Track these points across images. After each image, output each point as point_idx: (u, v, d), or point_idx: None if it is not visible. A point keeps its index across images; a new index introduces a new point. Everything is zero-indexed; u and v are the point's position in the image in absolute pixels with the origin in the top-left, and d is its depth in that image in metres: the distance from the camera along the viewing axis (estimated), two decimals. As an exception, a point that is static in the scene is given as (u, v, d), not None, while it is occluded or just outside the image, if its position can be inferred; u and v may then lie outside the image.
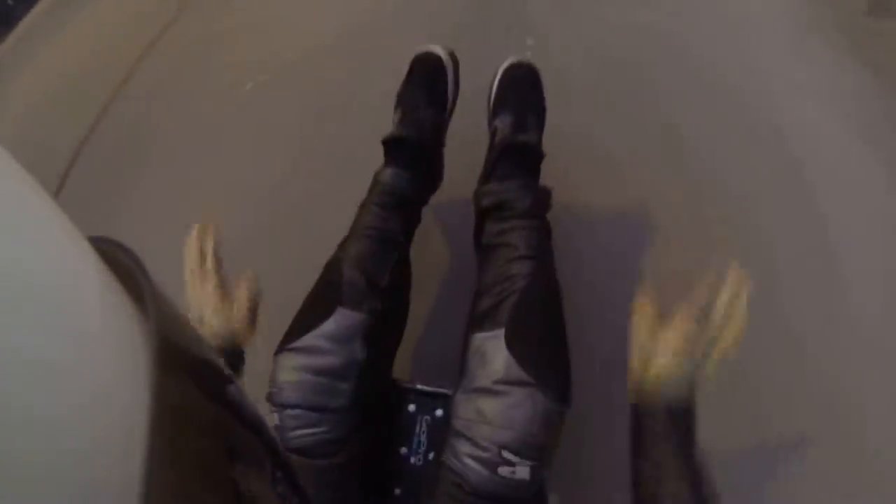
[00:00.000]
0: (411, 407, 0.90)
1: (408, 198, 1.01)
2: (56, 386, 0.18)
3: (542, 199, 0.99)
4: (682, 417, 0.61)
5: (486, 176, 1.04)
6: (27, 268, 0.19)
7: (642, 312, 0.67)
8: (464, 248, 1.11)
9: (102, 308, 0.23)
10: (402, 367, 0.94)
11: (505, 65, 1.15)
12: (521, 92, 1.12)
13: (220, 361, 0.31)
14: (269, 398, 0.79)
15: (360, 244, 0.91)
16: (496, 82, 1.14)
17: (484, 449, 0.73)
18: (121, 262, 0.26)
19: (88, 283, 0.23)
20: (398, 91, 1.14)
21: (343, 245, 0.93)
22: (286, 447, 0.77)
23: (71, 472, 0.19)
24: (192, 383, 0.26)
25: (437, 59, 1.14)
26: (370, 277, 0.87)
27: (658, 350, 0.63)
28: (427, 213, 1.07)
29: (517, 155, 1.03)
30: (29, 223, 0.21)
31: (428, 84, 1.13)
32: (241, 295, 0.79)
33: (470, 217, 1.05)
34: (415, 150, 1.05)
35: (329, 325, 0.81)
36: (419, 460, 0.87)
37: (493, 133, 1.10)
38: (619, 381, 0.80)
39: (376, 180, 1.02)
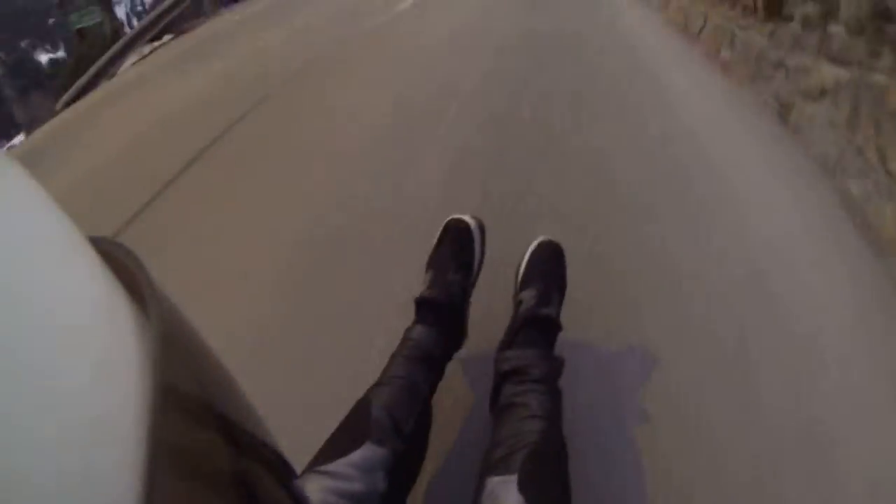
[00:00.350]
0: None
1: (434, 354, 1.13)
2: (56, 387, 0.18)
3: (557, 367, 1.12)
4: None
5: (509, 342, 1.17)
6: (27, 271, 0.19)
7: None
8: (477, 402, 1.23)
9: (103, 308, 0.23)
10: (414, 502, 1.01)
11: (535, 243, 1.34)
12: (548, 269, 1.29)
13: (219, 360, 0.31)
14: None
15: (390, 390, 1.03)
16: (526, 258, 1.32)
17: None
18: (122, 262, 0.27)
19: (89, 284, 0.23)
20: (430, 254, 1.32)
21: (374, 388, 1.05)
22: None
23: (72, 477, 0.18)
24: (193, 383, 0.26)
25: (467, 226, 1.33)
26: (396, 421, 0.97)
27: None
28: (449, 366, 1.20)
29: (539, 326, 1.17)
30: (29, 224, 0.21)
31: (457, 250, 1.30)
32: None
33: (485, 372, 1.18)
34: (443, 311, 1.20)
35: (356, 456, 0.89)
36: None
37: (517, 303, 1.24)
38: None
39: (407, 336, 1.16)
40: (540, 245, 1.33)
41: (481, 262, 1.36)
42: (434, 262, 1.30)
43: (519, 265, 1.33)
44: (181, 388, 0.25)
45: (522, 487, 0.86)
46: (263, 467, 0.31)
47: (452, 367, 1.21)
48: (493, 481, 0.90)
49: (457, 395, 1.28)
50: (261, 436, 0.32)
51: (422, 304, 1.21)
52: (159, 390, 0.22)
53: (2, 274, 0.18)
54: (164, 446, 0.21)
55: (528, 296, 1.22)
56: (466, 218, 1.36)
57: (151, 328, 0.24)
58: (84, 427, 0.19)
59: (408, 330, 1.18)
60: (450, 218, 1.37)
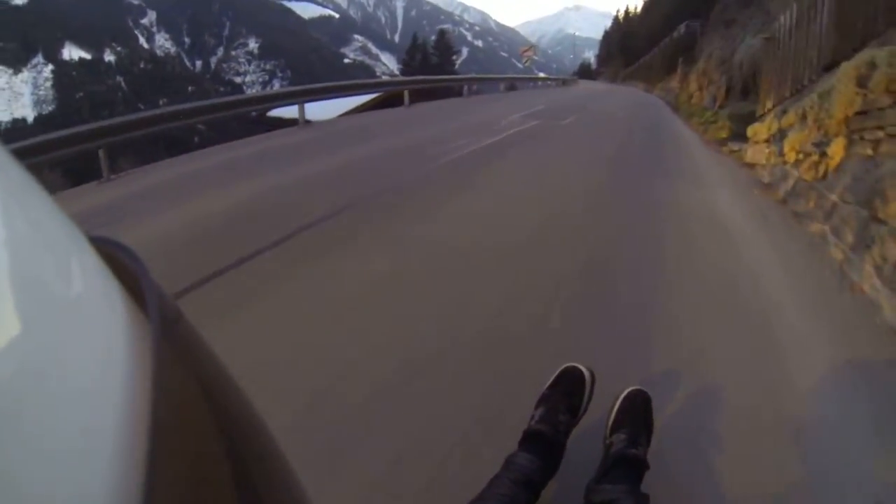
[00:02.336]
0: None
1: (534, 480, 1.29)
2: (56, 386, 0.19)
3: (643, 501, 1.24)
4: None
5: (600, 478, 1.31)
6: (27, 271, 0.20)
7: None
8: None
9: (102, 308, 0.23)
10: None
11: (626, 391, 1.50)
12: (637, 414, 1.45)
13: (219, 360, 0.31)
14: None
15: None
16: (618, 403, 1.48)
17: None
18: (122, 262, 0.27)
19: (88, 283, 0.23)
20: (544, 392, 1.50)
21: (478, 501, 1.21)
22: None
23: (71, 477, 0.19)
24: (193, 382, 0.26)
25: (581, 374, 1.52)
26: None
27: None
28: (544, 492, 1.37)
29: (628, 465, 1.31)
30: (28, 224, 0.22)
31: (569, 394, 1.48)
32: None
33: (571, 499, 1.33)
34: (548, 444, 1.37)
35: None
36: None
37: (608, 445, 1.40)
38: None
39: (511, 461, 1.33)
40: (630, 393, 1.50)
41: (587, 408, 1.53)
42: (546, 401, 1.47)
43: (610, 411, 1.49)
44: (181, 387, 0.25)
45: None
46: (263, 465, 0.31)
47: (545, 493, 1.37)
48: None
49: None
50: (259, 433, 0.32)
51: (531, 436, 1.38)
52: (159, 389, 0.22)
53: (1, 275, 0.18)
54: (164, 446, 0.21)
55: (619, 438, 1.38)
56: (582, 367, 1.54)
57: (151, 326, 0.24)
58: (84, 426, 0.19)
59: (512, 455, 1.35)
60: (567, 364, 1.56)
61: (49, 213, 0.24)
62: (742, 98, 9.19)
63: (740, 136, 6.58)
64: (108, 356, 0.22)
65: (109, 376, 0.22)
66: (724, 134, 7.63)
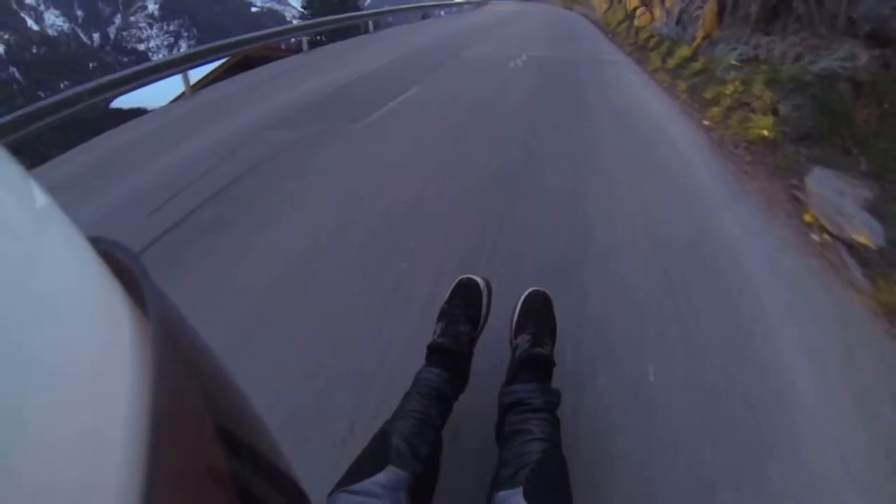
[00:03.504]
0: None
1: (444, 393, 1.28)
2: (56, 387, 0.19)
3: (554, 398, 1.26)
4: None
5: (510, 380, 1.32)
6: (26, 272, 0.19)
7: None
8: (483, 431, 1.37)
9: (102, 308, 0.23)
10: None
11: (525, 293, 1.51)
12: (539, 315, 1.46)
13: (219, 360, 0.31)
14: None
15: (407, 423, 1.17)
16: (518, 308, 1.49)
17: None
18: (122, 262, 0.26)
19: (88, 284, 0.23)
20: (442, 307, 1.50)
21: (392, 421, 1.19)
22: None
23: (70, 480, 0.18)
24: (192, 382, 0.26)
25: (476, 285, 1.52)
26: (413, 448, 1.10)
27: None
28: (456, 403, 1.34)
29: (535, 365, 1.32)
30: (27, 224, 0.21)
31: (467, 305, 1.48)
32: None
33: (485, 409, 1.32)
34: (453, 357, 1.36)
35: (381, 477, 1.02)
36: None
37: (514, 348, 1.40)
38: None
39: (420, 376, 1.32)
40: (529, 295, 1.51)
41: (486, 317, 1.54)
42: (445, 315, 1.47)
43: (512, 314, 1.50)
44: (181, 387, 0.25)
45: (528, 496, 0.98)
46: (261, 464, 0.31)
47: (459, 405, 1.36)
48: (502, 494, 1.02)
49: (464, 427, 1.44)
50: (259, 433, 0.33)
51: (434, 350, 1.38)
52: (159, 390, 0.22)
53: (1, 276, 0.18)
54: (164, 445, 0.21)
55: (523, 340, 1.38)
56: (477, 278, 1.55)
57: (151, 328, 0.24)
58: (84, 427, 0.19)
59: (420, 372, 1.34)
60: (462, 276, 1.56)
61: (49, 213, 0.23)
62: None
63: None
64: (108, 356, 0.22)
65: (109, 376, 0.22)
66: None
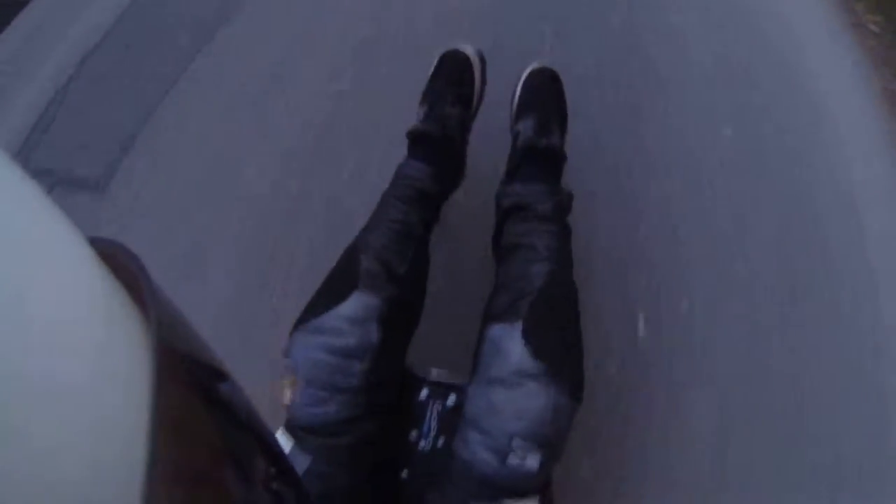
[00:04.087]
0: (423, 393, 0.91)
1: (429, 192, 1.02)
2: (55, 388, 0.18)
3: (564, 202, 1.02)
4: None
5: (509, 177, 1.06)
6: (26, 272, 0.19)
7: None
8: (479, 245, 1.14)
9: (102, 308, 0.23)
10: (416, 355, 0.95)
11: (528, 70, 1.18)
12: (544, 96, 1.15)
13: (218, 360, 0.31)
14: (283, 374, 0.80)
15: (381, 234, 0.93)
16: (519, 86, 1.17)
17: (495, 438, 0.75)
18: (122, 262, 0.26)
19: (88, 284, 0.23)
20: (425, 86, 1.16)
21: (363, 233, 0.95)
22: (297, 424, 0.78)
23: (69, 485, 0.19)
24: (192, 383, 0.26)
25: (465, 57, 1.17)
26: (389, 266, 0.88)
27: None
28: (447, 207, 1.10)
29: (540, 158, 1.05)
30: (27, 226, 0.21)
31: (455, 81, 1.15)
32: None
33: (486, 215, 1.08)
34: (439, 146, 1.08)
35: (346, 308, 0.82)
36: (428, 445, 0.88)
37: (515, 136, 1.12)
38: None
39: (399, 173, 1.04)
40: (534, 72, 1.18)
41: (482, 95, 1.21)
42: (429, 95, 1.15)
43: (513, 95, 1.19)
44: (181, 388, 0.25)
45: (527, 336, 0.80)
46: (262, 465, 0.32)
47: (451, 209, 1.11)
48: (496, 329, 0.84)
49: (456, 236, 1.20)
50: (260, 434, 0.33)
51: (416, 138, 1.08)
52: (159, 390, 0.22)
53: (1, 275, 0.18)
54: (164, 446, 0.21)
55: (526, 126, 1.09)
56: (465, 48, 1.19)
57: (151, 328, 0.24)
58: (84, 428, 0.19)
59: (400, 167, 1.06)
60: (447, 49, 1.19)
61: (48, 213, 0.23)
62: None
63: None
64: (108, 357, 0.22)
65: (108, 377, 0.22)
66: None
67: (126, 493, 0.20)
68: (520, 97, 1.16)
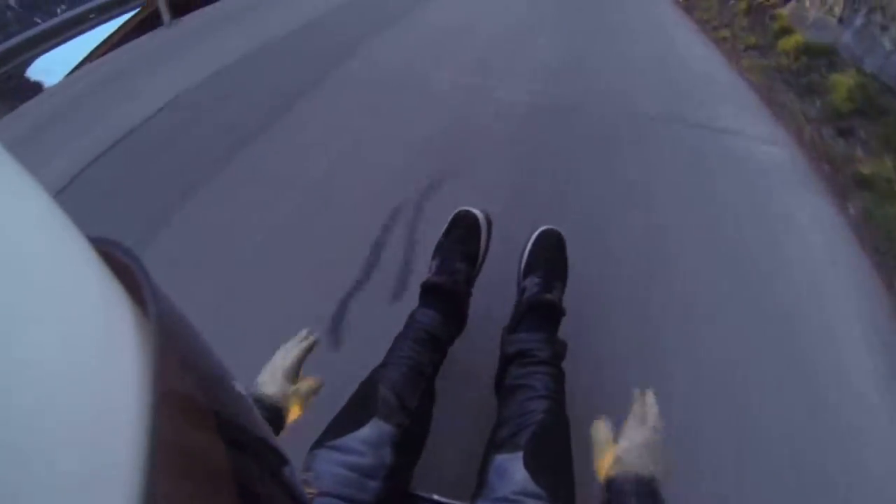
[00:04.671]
0: None
1: (438, 336, 1.16)
2: (53, 388, 0.18)
3: (560, 350, 1.15)
4: (647, 484, 0.74)
5: (514, 326, 1.20)
6: (25, 271, 0.19)
7: (599, 427, 0.86)
8: (479, 382, 1.26)
9: (102, 308, 0.23)
10: (419, 479, 1.02)
11: (537, 232, 1.37)
12: (550, 257, 1.32)
13: (219, 362, 0.31)
14: (305, 484, 0.87)
15: (396, 370, 1.05)
16: (528, 247, 1.35)
17: None
18: (122, 262, 0.26)
19: (87, 283, 0.23)
20: (438, 242, 1.35)
21: (380, 368, 1.07)
22: None
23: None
24: (193, 384, 0.26)
25: (475, 218, 1.37)
26: (401, 399, 0.99)
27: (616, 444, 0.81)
28: (452, 349, 1.22)
29: (543, 312, 1.20)
30: (25, 223, 0.21)
31: (464, 240, 1.34)
32: (305, 383, 0.94)
33: (486, 354, 1.21)
34: (447, 297, 1.23)
35: (365, 432, 0.92)
36: None
37: (521, 290, 1.28)
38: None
39: (412, 318, 1.19)
40: (542, 233, 1.36)
41: (486, 254, 1.39)
42: (441, 251, 1.33)
43: (522, 253, 1.36)
44: (181, 388, 0.25)
45: (528, 463, 0.89)
46: (262, 466, 0.31)
47: (455, 350, 1.24)
48: (500, 458, 0.93)
49: (460, 375, 1.32)
50: (260, 434, 0.33)
51: (428, 290, 1.24)
52: (159, 391, 0.22)
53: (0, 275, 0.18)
54: (163, 447, 0.21)
55: (532, 283, 1.25)
56: (475, 211, 1.39)
57: (151, 328, 0.24)
58: (82, 428, 0.19)
59: (413, 313, 1.21)
60: (459, 209, 1.40)
61: (48, 212, 0.23)
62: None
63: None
64: (107, 357, 0.22)
65: (108, 377, 0.21)
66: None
67: (124, 494, 0.20)
68: (528, 256, 1.33)
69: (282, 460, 0.34)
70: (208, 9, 5.10)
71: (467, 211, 1.39)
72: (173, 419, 0.23)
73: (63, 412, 0.19)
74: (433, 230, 1.43)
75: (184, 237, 1.90)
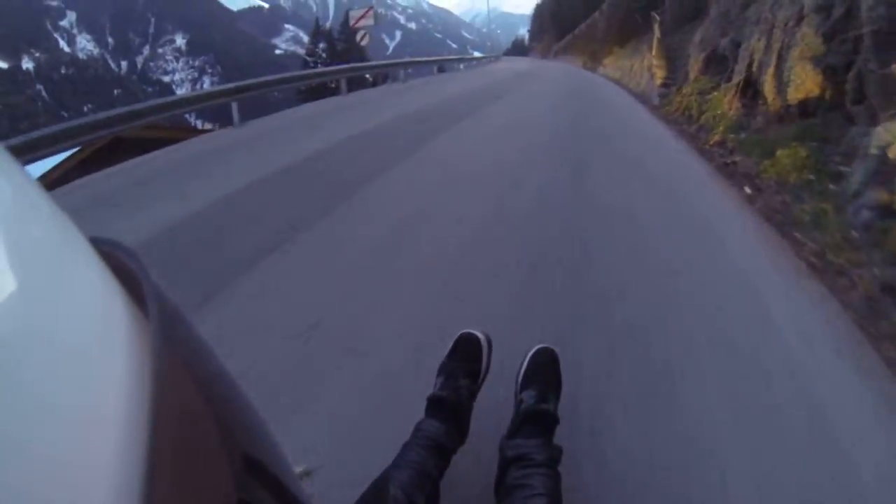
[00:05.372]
0: None
1: (442, 445, 1.32)
2: (55, 387, 0.19)
3: (556, 454, 1.29)
4: None
5: (512, 433, 1.35)
6: (26, 271, 0.20)
7: None
8: (481, 484, 1.39)
9: (102, 308, 0.23)
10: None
11: (533, 350, 1.56)
12: (545, 372, 1.50)
13: (218, 360, 0.31)
14: None
15: (404, 472, 1.21)
16: (525, 362, 1.53)
17: None
18: (122, 262, 0.26)
19: (88, 284, 0.23)
20: (442, 361, 1.55)
21: (390, 469, 1.22)
22: None
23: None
24: (192, 383, 0.26)
25: (477, 340, 1.58)
26: (409, 498, 1.14)
27: None
28: (455, 456, 1.38)
29: (539, 420, 1.36)
30: (26, 223, 0.22)
31: (466, 359, 1.53)
32: None
33: (484, 460, 1.35)
34: (451, 410, 1.40)
35: None
36: None
37: (519, 402, 1.44)
38: None
39: (419, 427, 1.36)
40: (537, 351, 1.55)
41: (486, 371, 1.58)
42: (446, 369, 1.53)
43: (519, 369, 1.54)
44: (181, 387, 0.25)
45: None
46: (262, 464, 0.31)
47: (458, 457, 1.39)
48: None
49: (462, 479, 1.45)
50: (260, 434, 0.33)
51: (434, 403, 1.42)
52: (159, 390, 0.22)
53: (1, 275, 0.18)
54: (163, 446, 0.21)
55: (529, 395, 1.42)
56: (477, 333, 1.60)
57: (151, 328, 0.24)
58: (83, 426, 0.19)
59: (419, 423, 1.38)
60: (462, 332, 1.61)
61: (49, 213, 0.23)
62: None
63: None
64: (108, 357, 0.22)
65: (108, 377, 0.22)
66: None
67: (126, 492, 0.20)
68: (525, 371, 1.51)
69: (281, 459, 0.34)
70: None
71: (470, 333, 1.60)
72: (173, 418, 0.23)
73: (63, 411, 0.19)
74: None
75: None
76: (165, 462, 0.21)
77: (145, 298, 0.25)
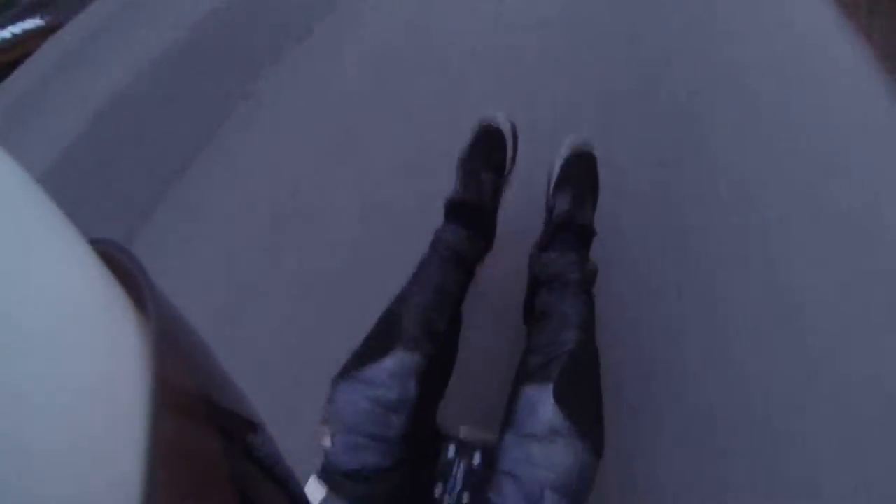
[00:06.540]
0: (451, 451, 0.95)
1: (465, 255, 1.09)
2: (54, 389, 0.18)
3: (591, 274, 1.08)
4: None
5: (544, 246, 1.13)
6: (24, 273, 0.19)
7: None
8: (507, 307, 1.20)
9: (101, 309, 0.23)
10: (446, 409, 0.99)
11: (567, 145, 1.26)
12: (582, 175, 1.22)
13: (218, 362, 0.31)
14: (325, 420, 0.85)
15: (421, 294, 0.99)
16: (559, 163, 1.24)
17: (528, 488, 0.79)
18: (121, 263, 0.26)
19: (87, 284, 0.23)
20: (460, 155, 1.24)
21: (404, 293, 1.01)
22: (335, 470, 0.82)
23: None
24: (192, 384, 0.26)
25: (499, 129, 1.26)
26: (428, 325, 0.94)
27: None
28: (479, 269, 1.16)
29: (574, 231, 1.13)
30: (24, 224, 0.21)
31: (489, 150, 1.23)
32: None
33: (516, 279, 1.14)
34: (474, 212, 1.15)
35: (388, 363, 0.87)
36: (452, 501, 0.92)
37: (550, 209, 1.19)
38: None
39: (437, 238, 1.11)
40: (573, 151, 1.25)
41: (513, 163, 1.29)
42: (465, 163, 1.22)
43: (551, 167, 1.26)
44: (180, 388, 0.25)
45: (558, 396, 0.85)
46: (262, 465, 0.31)
47: (483, 271, 1.17)
48: (530, 389, 0.89)
49: (487, 298, 1.26)
50: (260, 434, 0.33)
51: (453, 206, 1.16)
52: (158, 391, 0.22)
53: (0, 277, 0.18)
54: (163, 447, 0.21)
55: (562, 199, 1.16)
56: (499, 120, 1.28)
57: (151, 328, 0.24)
58: (83, 428, 0.19)
59: (437, 232, 1.13)
60: (482, 120, 1.28)
61: (48, 214, 0.23)
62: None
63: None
64: (108, 358, 0.22)
65: (108, 378, 0.21)
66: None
67: (125, 492, 0.20)
68: (559, 173, 1.24)
69: (281, 460, 0.35)
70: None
71: (490, 122, 1.27)
72: (173, 419, 0.23)
73: (63, 412, 0.19)
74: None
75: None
76: (166, 461, 0.21)
77: (145, 299, 0.25)
